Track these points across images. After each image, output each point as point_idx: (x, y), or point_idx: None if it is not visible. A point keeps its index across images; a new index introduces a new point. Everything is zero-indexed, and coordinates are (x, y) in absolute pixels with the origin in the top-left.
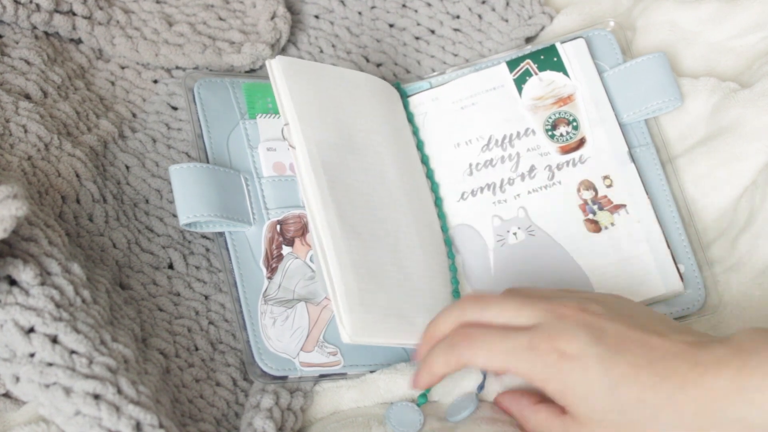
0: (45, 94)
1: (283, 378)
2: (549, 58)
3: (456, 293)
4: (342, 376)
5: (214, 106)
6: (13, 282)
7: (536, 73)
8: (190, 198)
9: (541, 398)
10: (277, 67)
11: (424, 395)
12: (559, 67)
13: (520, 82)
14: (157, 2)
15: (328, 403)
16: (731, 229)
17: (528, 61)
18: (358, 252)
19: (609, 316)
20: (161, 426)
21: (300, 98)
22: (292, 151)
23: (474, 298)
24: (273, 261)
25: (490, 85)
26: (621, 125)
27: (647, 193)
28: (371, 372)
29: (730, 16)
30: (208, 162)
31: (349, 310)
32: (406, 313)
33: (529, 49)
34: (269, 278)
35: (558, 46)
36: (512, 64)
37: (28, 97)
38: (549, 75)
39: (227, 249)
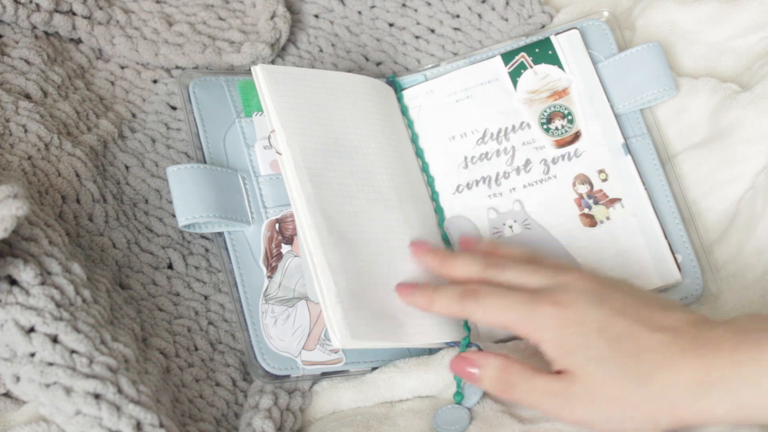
0: (45, 93)
1: (286, 377)
2: (544, 51)
3: None
4: (344, 373)
5: (209, 105)
6: (13, 282)
7: (531, 67)
8: (188, 199)
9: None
10: (261, 75)
11: (459, 393)
12: (554, 60)
13: (515, 76)
14: (157, 2)
15: (327, 403)
16: (731, 230)
17: (523, 54)
18: (346, 256)
19: (615, 287)
20: (162, 425)
21: (284, 106)
22: (279, 157)
23: (493, 260)
24: (273, 260)
25: (485, 78)
26: (616, 116)
27: (644, 184)
28: (372, 369)
29: (730, 16)
30: (205, 162)
31: (340, 315)
32: (396, 315)
33: (524, 41)
34: (269, 277)
35: (553, 38)
36: (507, 57)
37: (28, 96)
38: (544, 68)
39: (227, 249)
